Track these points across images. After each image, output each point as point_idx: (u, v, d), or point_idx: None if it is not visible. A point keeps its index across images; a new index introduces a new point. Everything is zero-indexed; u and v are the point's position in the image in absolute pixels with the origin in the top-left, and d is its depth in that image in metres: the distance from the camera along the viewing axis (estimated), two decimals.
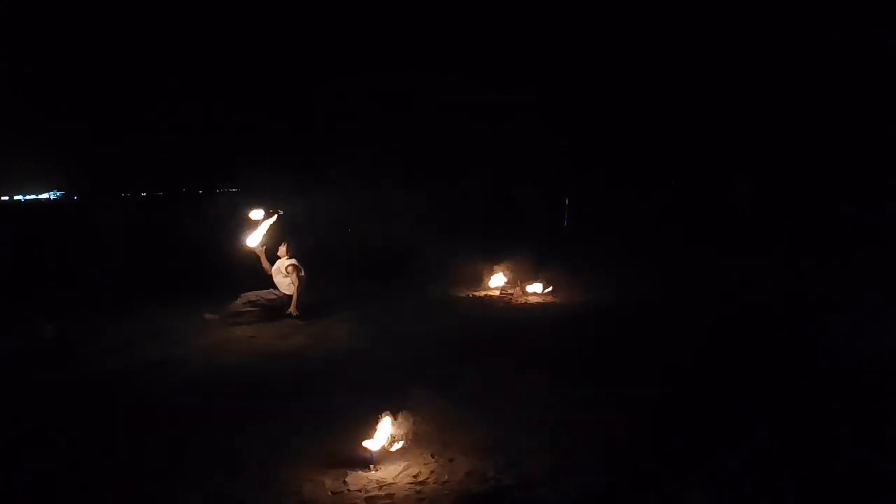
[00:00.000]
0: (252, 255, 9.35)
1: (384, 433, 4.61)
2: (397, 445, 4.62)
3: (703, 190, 20.77)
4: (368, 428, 4.63)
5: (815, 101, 22.33)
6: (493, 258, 11.51)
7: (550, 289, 10.72)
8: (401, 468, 4.49)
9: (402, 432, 4.64)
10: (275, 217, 9.37)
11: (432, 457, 4.65)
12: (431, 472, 4.44)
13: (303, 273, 9.12)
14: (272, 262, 9.32)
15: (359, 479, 4.37)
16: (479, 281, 11.40)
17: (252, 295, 9.03)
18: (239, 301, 8.95)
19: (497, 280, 11.18)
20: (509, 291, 10.78)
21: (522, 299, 10.39)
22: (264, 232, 9.27)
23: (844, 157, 21.03)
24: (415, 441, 4.74)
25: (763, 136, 22.80)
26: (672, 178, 23.24)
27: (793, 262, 12.58)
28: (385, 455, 4.57)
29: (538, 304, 10.14)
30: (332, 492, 4.22)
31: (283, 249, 9.27)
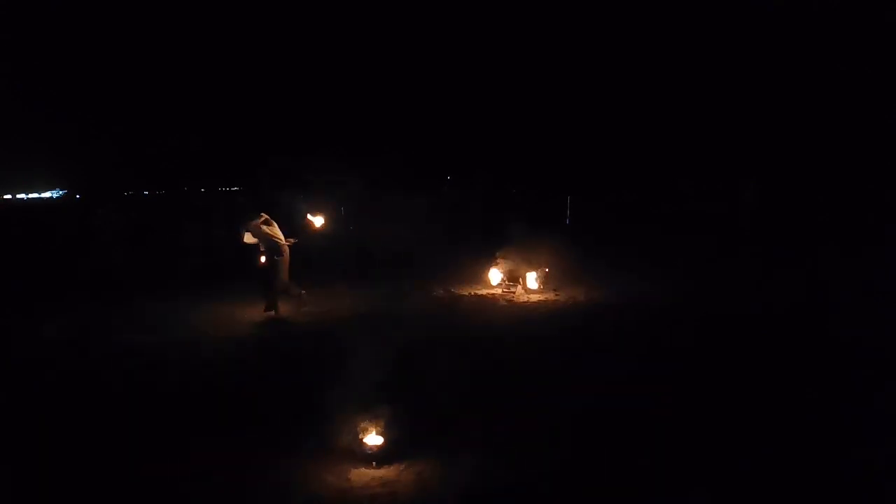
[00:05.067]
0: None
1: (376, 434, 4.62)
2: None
3: (707, 194, 20.72)
4: (368, 426, 4.62)
5: (821, 107, 22.34)
6: (494, 258, 11.46)
7: (553, 287, 10.70)
8: (404, 465, 4.48)
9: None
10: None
11: (436, 455, 4.62)
12: (434, 469, 4.42)
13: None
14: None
15: (362, 476, 4.35)
16: (481, 279, 11.38)
17: None
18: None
19: (497, 276, 11.17)
20: (511, 290, 10.76)
21: (524, 297, 10.37)
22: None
23: (850, 161, 21.05)
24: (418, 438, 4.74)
25: (769, 142, 22.84)
26: (677, 183, 23.34)
27: (795, 265, 12.55)
28: (388, 452, 4.56)
29: (541, 302, 10.11)
30: (335, 489, 4.21)
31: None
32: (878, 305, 8.73)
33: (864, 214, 17.12)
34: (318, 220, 9.96)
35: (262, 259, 9.22)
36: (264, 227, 9.10)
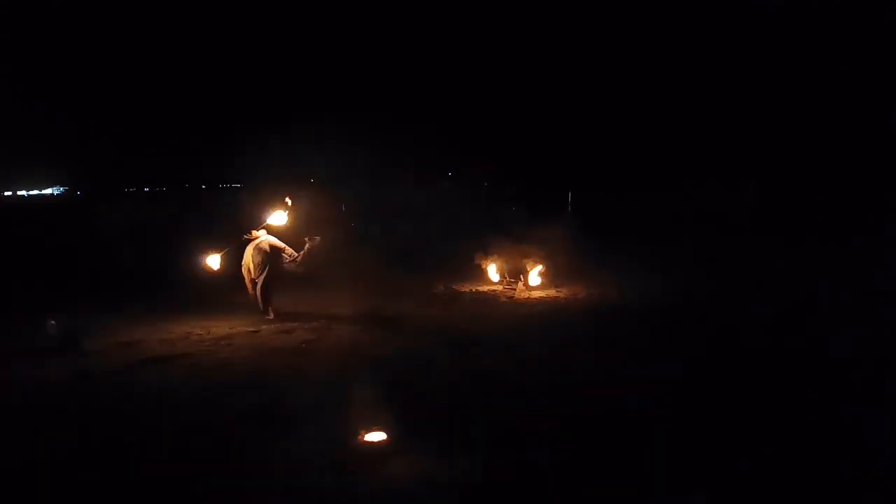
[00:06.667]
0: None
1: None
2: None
3: (707, 194, 20.72)
4: (369, 424, 4.64)
5: (821, 107, 22.35)
6: (494, 254, 11.47)
7: (555, 284, 10.73)
8: (404, 464, 4.48)
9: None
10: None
11: (437, 454, 4.63)
12: (435, 468, 4.42)
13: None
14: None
15: (362, 475, 4.36)
16: (481, 275, 11.40)
17: None
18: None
19: (495, 272, 11.19)
20: (512, 286, 10.78)
21: (525, 294, 10.38)
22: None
23: (850, 161, 21.06)
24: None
25: (769, 142, 22.85)
26: (678, 181, 23.32)
27: (794, 265, 12.56)
28: (388, 450, 4.57)
29: (541, 299, 10.12)
30: (335, 487, 4.21)
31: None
32: (878, 305, 8.74)
33: (864, 214, 17.12)
34: (213, 262, 8.90)
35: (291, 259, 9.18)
36: (259, 242, 9.09)
